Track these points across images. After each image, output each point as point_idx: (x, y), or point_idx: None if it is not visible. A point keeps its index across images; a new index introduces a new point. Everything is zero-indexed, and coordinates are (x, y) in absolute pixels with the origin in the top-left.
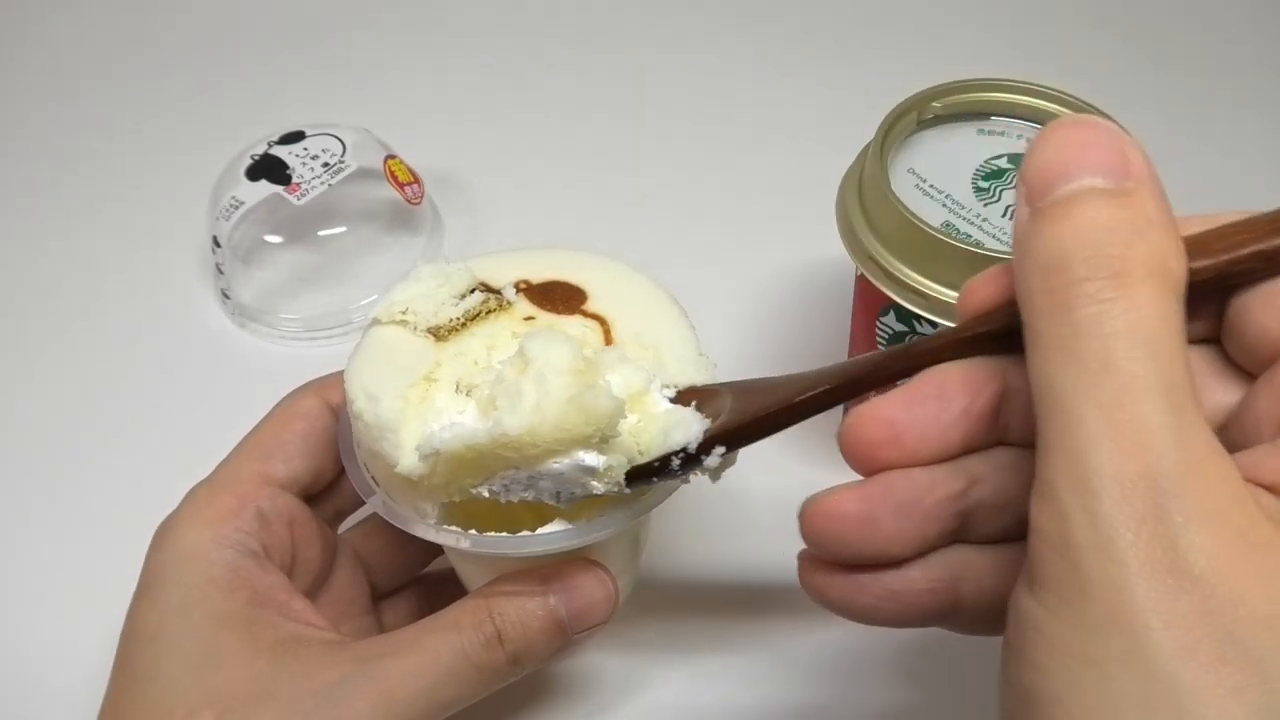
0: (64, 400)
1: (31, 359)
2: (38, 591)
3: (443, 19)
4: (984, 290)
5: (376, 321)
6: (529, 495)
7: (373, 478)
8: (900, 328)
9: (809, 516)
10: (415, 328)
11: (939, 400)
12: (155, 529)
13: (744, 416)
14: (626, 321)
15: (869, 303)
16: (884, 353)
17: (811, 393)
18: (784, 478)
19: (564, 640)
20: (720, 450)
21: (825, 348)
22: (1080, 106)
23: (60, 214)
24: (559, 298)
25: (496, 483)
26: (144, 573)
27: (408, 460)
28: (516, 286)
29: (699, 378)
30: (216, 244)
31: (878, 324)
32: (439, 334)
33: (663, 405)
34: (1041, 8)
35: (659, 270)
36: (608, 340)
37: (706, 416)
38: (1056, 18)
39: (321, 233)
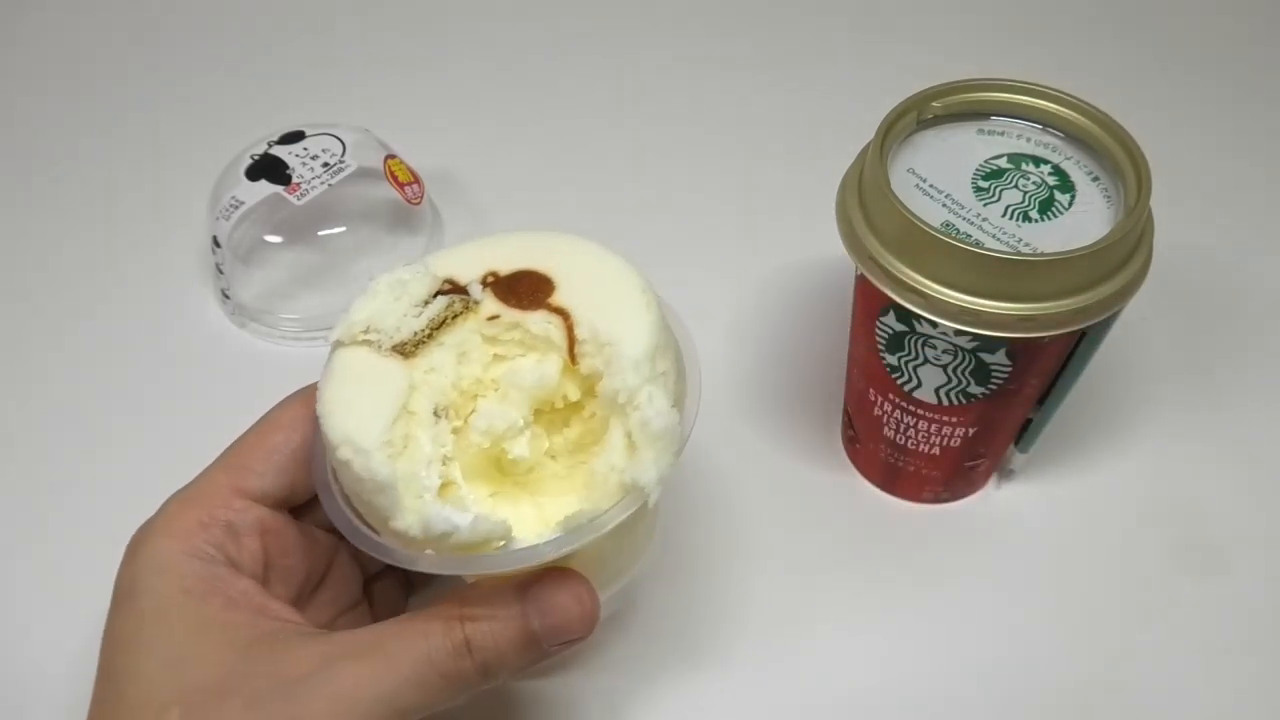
0: (63, 399)
1: (31, 358)
2: (35, 592)
3: (443, 19)
4: None
5: (339, 344)
6: None
7: (347, 500)
8: (900, 328)
9: None
10: (380, 346)
11: None
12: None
13: None
14: (589, 314)
15: (869, 303)
16: None
17: None
18: (787, 478)
19: (537, 653)
20: None
21: (825, 348)
22: (1080, 107)
23: (60, 214)
24: (524, 291)
25: None
26: (118, 582)
27: (406, 522)
28: (484, 280)
29: (647, 384)
30: (216, 244)
31: (878, 324)
32: (405, 350)
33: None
34: (1041, 8)
35: (659, 270)
36: (569, 336)
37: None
38: (1056, 18)
39: (321, 233)
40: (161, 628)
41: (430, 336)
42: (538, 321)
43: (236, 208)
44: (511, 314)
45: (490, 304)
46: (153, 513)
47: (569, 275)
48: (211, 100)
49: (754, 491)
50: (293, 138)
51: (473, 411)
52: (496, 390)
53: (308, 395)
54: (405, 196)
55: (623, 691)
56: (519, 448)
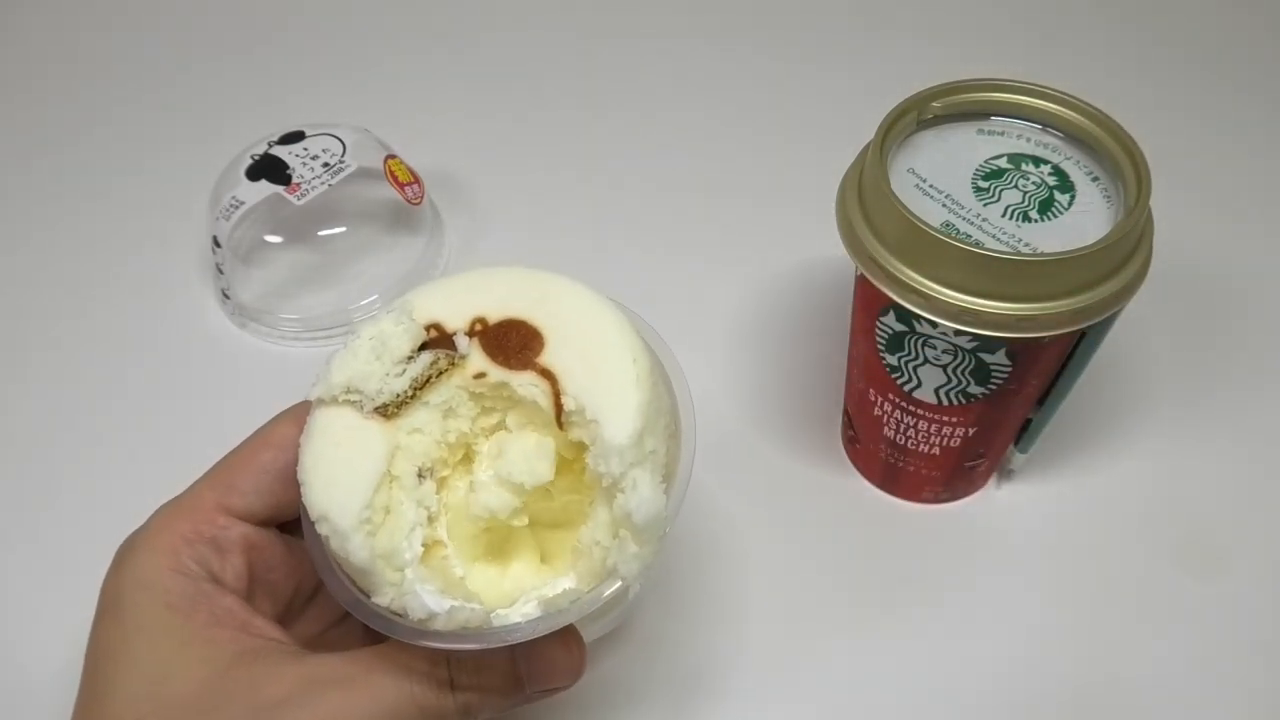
0: (63, 399)
1: (31, 358)
2: (32, 592)
3: (443, 19)
4: None
5: (320, 401)
6: None
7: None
8: (900, 328)
9: None
10: (362, 407)
11: None
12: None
13: None
14: (577, 383)
15: (869, 303)
16: None
17: None
18: (787, 478)
19: (520, 697)
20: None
21: (825, 348)
22: (1080, 107)
23: (60, 214)
24: (513, 346)
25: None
26: (103, 594)
27: (387, 599)
28: (471, 328)
29: (633, 468)
30: (216, 244)
31: (878, 324)
32: (388, 412)
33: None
34: (1041, 7)
35: (658, 270)
36: (556, 403)
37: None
38: (1056, 17)
39: (321, 233)
40: (144, 641)
41: (414, 396)
42: (524, 384)
43: (237, 208)
44: (498, 372)
45: (477, 357)
46: (152, 510)
47: (559, 329)
48: (212, 100)
49: (754, 491)
50: (293, 138)
51: (460, 460)
52: (488, 438)
53: (299, 414)
54: (405, 196)
55: (621, 697)
56: (517, 520)
